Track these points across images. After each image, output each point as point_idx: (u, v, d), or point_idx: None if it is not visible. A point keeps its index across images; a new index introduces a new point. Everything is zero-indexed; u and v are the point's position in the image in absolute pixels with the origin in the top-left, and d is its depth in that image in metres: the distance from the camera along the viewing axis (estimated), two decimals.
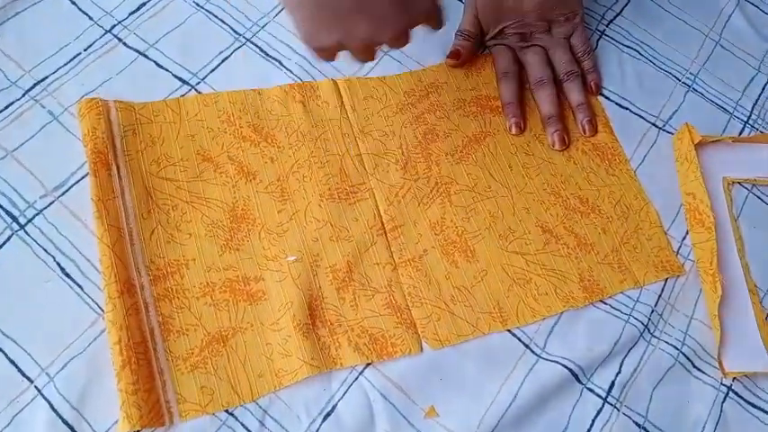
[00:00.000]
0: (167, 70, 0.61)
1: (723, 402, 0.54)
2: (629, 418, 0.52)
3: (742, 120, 0.68)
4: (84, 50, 0.61)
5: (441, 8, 0.49)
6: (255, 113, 0.60)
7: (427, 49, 0.66)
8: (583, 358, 0.53)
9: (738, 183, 0.63)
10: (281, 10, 0.66)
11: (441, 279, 0.55)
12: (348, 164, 0.59)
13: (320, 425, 0.48)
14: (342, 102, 0.62)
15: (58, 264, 0.51)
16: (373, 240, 0.56)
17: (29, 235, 0.52)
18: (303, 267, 0.53)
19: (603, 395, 0.52)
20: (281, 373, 0.49)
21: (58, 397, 0.46)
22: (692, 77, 0.70)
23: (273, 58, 0.63)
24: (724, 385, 0.54)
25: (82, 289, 0.50)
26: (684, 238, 0.60)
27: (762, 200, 0.63)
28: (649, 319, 0.55)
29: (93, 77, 0.59)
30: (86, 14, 0.63)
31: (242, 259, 0.53)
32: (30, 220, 0.52)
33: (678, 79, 0.69)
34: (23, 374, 0.47)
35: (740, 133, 0.67)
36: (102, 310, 0.49)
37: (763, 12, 0.76)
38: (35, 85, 0.58)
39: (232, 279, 0.52)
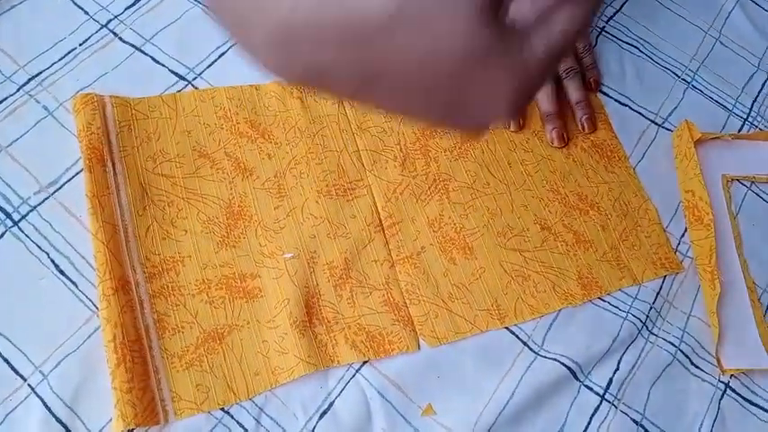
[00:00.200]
0: (164, 65, 0.60)
1: (721, 399, 0.54)
2: (627, 415, 0.52)
3: (741, 117, 0.68)
4: (80, 45, 0.60)
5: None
6: (253, 109, 0.59)
7: None
8: (581, 355, 0.53)
9: (737, 180, 0.63)
10: None
11: (438, 276, 0.55)
12: (346, 160, 0.58)
13: (317, 423, 0.48)
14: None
15: (53, 261, 0.51)
16: (371, 237, 0.55)
17: (23, 231, 0.51)
18: (300, 264, 0.53)
19: (601, 392, 0.52)
20: (277, 370, 0.49)
21: (51, 395, 0.46)
22: (692, 74, 0.69)
23: None
24: (722, 382, 0.54)
25: (76, 286, 0.50)
26: (683, 235, 0.60)
27: (760, 197, 0.63)
28: (647, 316, 0.55)
29: (89, 73, 0.59)
30: (82, 9, 0.62)
31: (238, 256, 0.53)
32: (24, 217, 0.52)
33: (678, 76, 0.69)
34: (16, 372, 0.47)
35: (739, 130, 0.67)
36: (97, 308, 0.49)
37: (762, 9, 0.76)
38: (30, 79, 0.58)
39: (228, 276, 0.52)
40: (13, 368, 0.47)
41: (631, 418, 0.52)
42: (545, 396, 0.51)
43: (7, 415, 0.45)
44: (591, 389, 0.52)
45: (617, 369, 0.53)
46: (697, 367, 0.55)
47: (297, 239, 0.54)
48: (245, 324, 0.50)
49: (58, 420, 0.45)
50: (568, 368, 0.52)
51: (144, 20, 0.62)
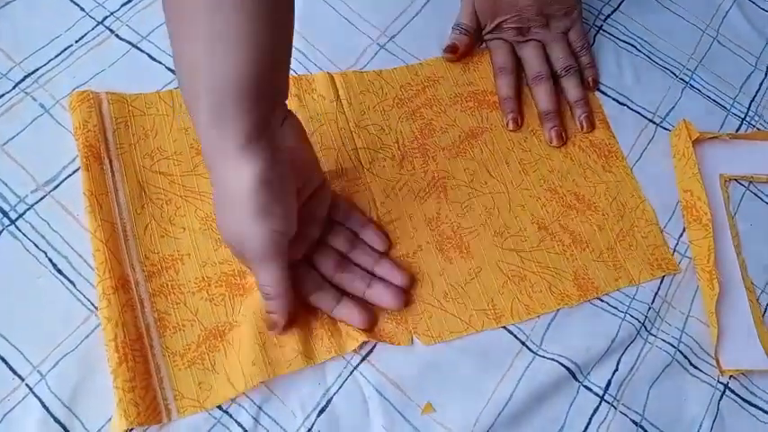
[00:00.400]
0: (160, 63, 0.60)
1: (720, 400, 0.54)
2: (626, 416, 0.52)
3: (739, 116, 0.68)
4: (76, 42, 0.60)
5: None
6: None
7: (424, 42, 0.66)
8: (580, 356, 0.53)
9: (735, 180, 0.63)
10: None
11: (434, 275, 0.55)
12: (344, 158, 0.58)
13: (315, 420, 0.48)
14: (338, 95, 0.61)
15: (50, 260, 0.50)
16: None
17: (20, 230, 0.51)
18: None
19: (600, 393, 0.52)
20: (274, 362, 0.48)
21: (49, 395, 0.46)
22: (690, 73, 0.69)
23: None
24: (721, 383, 0.54)
25: (74, 285, 0.50)
26: (681, 235, 0.60)
27: (759, 197, 0.63)
28: (646, 316, 0.55)
29: (85, 70, 0.58)
30: (78, 5, 0.62)
31: None
32: (21, 215, 0.52)
33: (675, 75, 0.69)
34: (14, 372, 0.46)
35: (737, 130, 0.67)
36: (95, 307, 0.49)
37: (760, 8, 0.76)
38: (26, 77, 0.57)
39: (228, 273, 0.52)
40: (10, 368, 0.47)
41: (630, 419, 0.52)
42: (544, 396, 0.51)
43: (5, 415, 0.45)
44: (590, 389, 0.52)
45: (616, 370, 0.53)
46: (696, 368, 0.55)
47: None
48: (243, 320, 0.50)
49: (57, 420, 0.45)
50: (567, 369, 0.52)
51: (140, 17, 0.62)
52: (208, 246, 0.52)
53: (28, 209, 0.52)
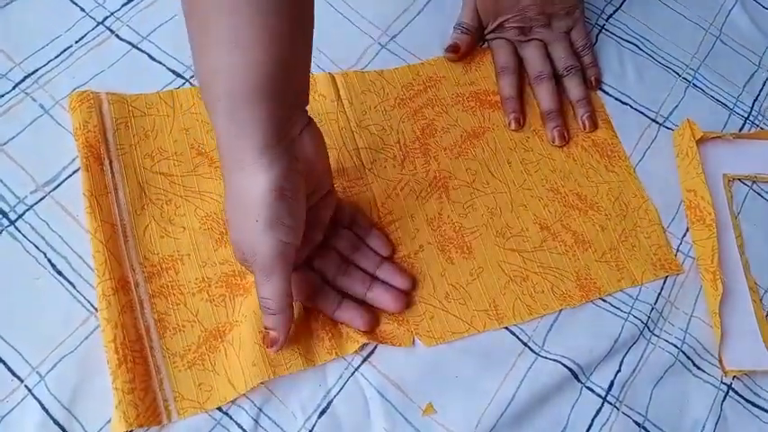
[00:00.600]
0: (161, 63, 0.60)
1: (723, 401, 0.54)
2: (629, 417, 0.52)
3: (742, 116, 0.67)
4: (76, 42, 0.60)
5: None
6: None
7: (425, 42, 0.66)
8: (582, 357, 0.52)
9: (739, 179, 0.63)
10: None
11: (436, 276, 0.54)
12: (345, 158, 0.58)
13: (316, 422, 0.48)
14: (339, 95, 0.61)
15: (50, 260, 0.50)
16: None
17: (19, 231, 0.51)
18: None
19: (603, 394, 0.52)
20: (274, 362, 0.48)
21: (48, 396, 0.46)
22: (693, 73, 0.69)
23: None
24: (724, 384, 0.54)
25: (74, 286, 0.50)
26: (684, 235, 0.60)
27: (762, 197, 0.63)
28: (649, 317, 0.55)
29: (85, 70, 0.58)
30: (78, 6, 0.61)
31: None
32: (20, 216, 0.51)
33: (678, 75, 0.69)
34: (13, 373, 0.46)
35: (741, 129, 0.67)
36: (95, 308, 0.49)
37: (763, 7, 0.76)
38: (26, 77, 0.57)
39: (228, 274, 0.52)
40: (9, 369, 0.46)
41: (633, 420, 0.51)
42: (546, 397, 0.51)
43: (3, 417, 0.45)
44: (593, 390, 0.52)
45: (619, 370, 0.53)
46: (699, 368, 0.54)
47: None
48: (244, 320, 0.50)
49: (56, 422, 0.45)
50: (570, 369, 0.52)
51: (141, 17, 0.62)
52: (208, 246, 0.52)
53: (27, 209, 0.52)
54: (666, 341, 0.55)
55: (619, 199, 0.60)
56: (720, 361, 0.54)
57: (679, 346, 0.55)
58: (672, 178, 0.62)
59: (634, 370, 0.53)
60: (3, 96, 0.56)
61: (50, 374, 0.46)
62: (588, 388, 0.52)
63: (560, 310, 0.54)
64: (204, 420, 0.47)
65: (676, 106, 0.66)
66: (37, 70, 0.58)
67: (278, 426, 0.47)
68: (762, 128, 0.67)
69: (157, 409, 0.46)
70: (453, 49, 0.64)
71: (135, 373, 0.46)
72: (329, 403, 0.49)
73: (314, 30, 0.46)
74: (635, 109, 0.66)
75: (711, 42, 0.72)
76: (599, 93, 0.66)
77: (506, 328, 0.53)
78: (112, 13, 0.62)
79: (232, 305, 0.51)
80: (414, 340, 0.51)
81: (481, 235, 0.57)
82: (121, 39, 0.61)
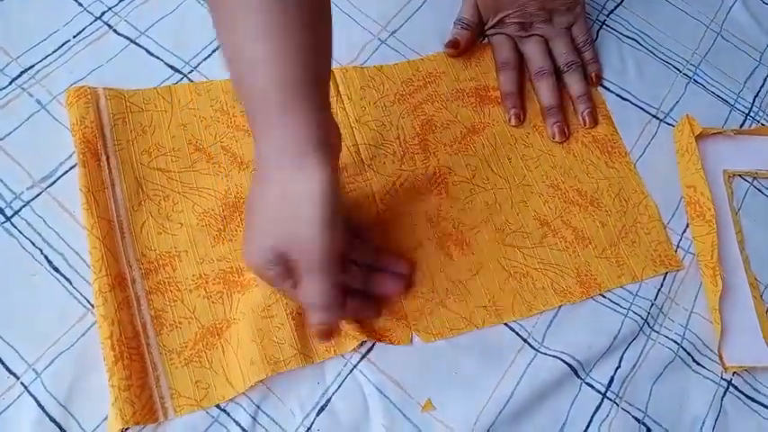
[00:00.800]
0: (159, 58, 0.60)
1: (723, 397, 0.53)
2: (629, 413, 0.51)
3: (743, 112, 0.67)
4: (74, 37, 0.59)
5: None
6: None
7: (425, 38, 0.65)
8: (582, 352, 0.52)
9: (739, 175, 0.63)
10: None
11: (435, 272, 0.54)
12: (344, 154, 0.58)
13: (314, 419, 0.48)
14: (338, 91, 0.60)
15: (46, 257, 0.50)
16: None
17: (15, 227, 0.51)
18: None
19: (603, 390, 0.52)
20: (272, 359, 0.48)
21: (45, 394, 0.45)
22: (693, 69, 0.69)
23: None
24: (724, 380, 0.54)
25: (70, 283, 0.49)
26: (685, 231, 0.59)
27: (763, 193, 0.63)
28: (649, 312, 0.55)
29: (83, 65, 0.58)
30: (76, 0, 0.61)
31: (235, 250, 0.52)
32: (16, 212, 0.51)
33: (679, 71, 0.68)
34: (9, 371, 0.46)
35: (741, 125, 0.67)
36: (91, 305, 0.48)
37: (764, 3, 0.75)
38: (22, 72, 0.57)
39: (225, 270, 0.51)
40: (5, 366, 0.46)
41: (633, 416, 0.51)
42: (546, 393, 0.51)
43: (0, 414, 0.45)
44: (592, 386, 0.52)
45: (618, 366, 0.53)
46: (699, 364, 0.54)
47: None
48: (242, 317, 0.50)
49: (52, 419, 0.45)
50: (569, 366, 0.51)
51: (139, 12, 0.62)
52: (205, 242, 0.52)
53: (24, 205, 0.52)
54: (666, 337, 0.54)
55: (619, 195, 0.60)
56: (720, 357, 0.54)
57: (679, 341, 0.54)
58: (672, 174, 0.62)
59: (634, 366, 0.53)
60: None
61: (47, 371, 0.46)
62: (588, 384, 0.52)
63: (560, 306, 0.54)
64: (202, 418, 0.46)
65: (677, 102, 0.66)
66: (34, 65, 0.57)
67: (276, 423, 0.47)
68: (762, 124, 0.67)
69: (154, 406, 0.46)
70: (453, 44, 0.64)
71: (131, 370, 0.46)
72: (328, 400, 0.48)
73: None
74: (635, 105, 0.65)
75: (712, 38, 0.71)
76: (600, 89, 0.66)
77: (506, 324, 0.53)
78: (110, 8, 0.61)
79: (230, 302, 0.50)
80: (412, 338, 0.51)
81: (480, 231, 0.56)
82: (119, 34, 0.60)
